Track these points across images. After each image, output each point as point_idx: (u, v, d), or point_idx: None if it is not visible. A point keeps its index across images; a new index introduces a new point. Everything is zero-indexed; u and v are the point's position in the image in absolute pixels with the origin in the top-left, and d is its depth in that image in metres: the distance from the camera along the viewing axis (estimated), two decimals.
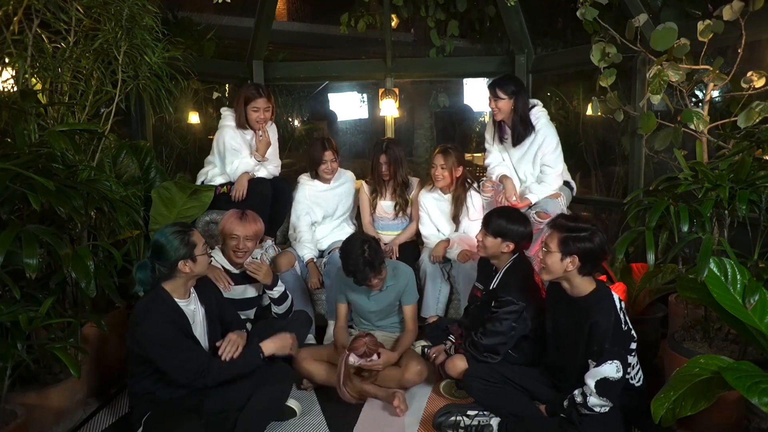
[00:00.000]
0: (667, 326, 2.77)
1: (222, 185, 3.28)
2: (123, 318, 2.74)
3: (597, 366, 1.95)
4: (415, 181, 3.46)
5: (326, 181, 3.36)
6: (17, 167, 2.02)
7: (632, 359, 2.10)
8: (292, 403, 2.40)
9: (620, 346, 1.98)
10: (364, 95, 7.09)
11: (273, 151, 3.44)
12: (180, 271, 2.13)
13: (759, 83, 2.52)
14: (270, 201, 3.25)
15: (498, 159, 3.25)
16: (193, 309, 2.22)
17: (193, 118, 4.86)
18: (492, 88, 3.04)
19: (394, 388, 2.51)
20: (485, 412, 2.21)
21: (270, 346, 2.26)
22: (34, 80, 2.56)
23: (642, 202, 2.50)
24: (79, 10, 2.55)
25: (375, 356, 2.52)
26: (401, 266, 2.86)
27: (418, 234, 3.37)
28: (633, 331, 2.08)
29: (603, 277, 2.47)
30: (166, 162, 4.17)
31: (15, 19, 2.44)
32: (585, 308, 2.05)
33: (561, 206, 3.03)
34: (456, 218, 3.20)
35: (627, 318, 2.06)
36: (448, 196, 3.23)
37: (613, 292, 2.11)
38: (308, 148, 3.50)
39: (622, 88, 3.44)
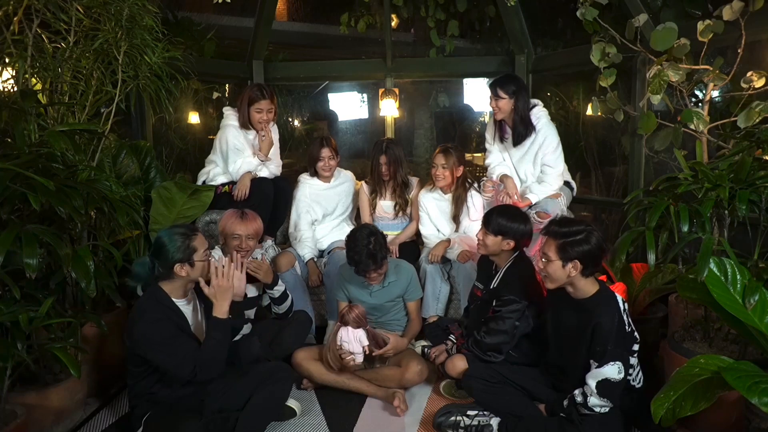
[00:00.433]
0: (667, 326, 2.76)
1: (223, 185, 3.28)
2: (123, 318, 2.73)
3: (599, 367, 1.95)
4: (414, 180, 3.46)
5: (325, 179, 3.37)
6: (17, 167, 2.03)
7: (633, 360, 2.11)
8: (292, 403, 2.40)
9: (623, 348, 1.99)
10: (364, 95, 7.08)
11: (274, 151, 3.44)
12: (176, 273, 2.13)
13: (759, 83, 2.52)
14: (272, 200, 3.26)
15: (498, 159, 3.25)
16: (192, 309, 2.22)
17: (193, 118, 4.85)
18: (493, 87, 3.04)
19: (394, 388, 2.51)
20: (485, 412, 2.21)
21: (220, 306, 2.14)
22: (34, 80, 2.56)
23: (642, 202, 2.50)
24: (79, 10, 2.55)
25: (365, 336, 2.56)
26: (403, 263, 2.88)
27: (418, 234, 3.37)
28: (636, 333, 2.08)
29: (603, 277, 2.47)
30: (166, 162, 4.17)
31: (15, 19, 2.44)
32: (588, 309, 2.04)
33: (561, 206, 3.03)
34: (456, 218, 3.20)
35: (630, 319, 2.06)
36: (449, 196, 3.23)
37: (617, 294, 2.11)
38: (308, 148, 3.51)
39: (622, 88, 3.44)
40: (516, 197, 3.03)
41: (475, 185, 3.26)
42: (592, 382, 1.96)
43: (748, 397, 1.61)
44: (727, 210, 2.27)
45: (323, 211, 3.39)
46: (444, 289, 3.11)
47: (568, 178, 3.26)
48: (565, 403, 2.07)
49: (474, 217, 3.15)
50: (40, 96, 2.53)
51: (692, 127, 2.66)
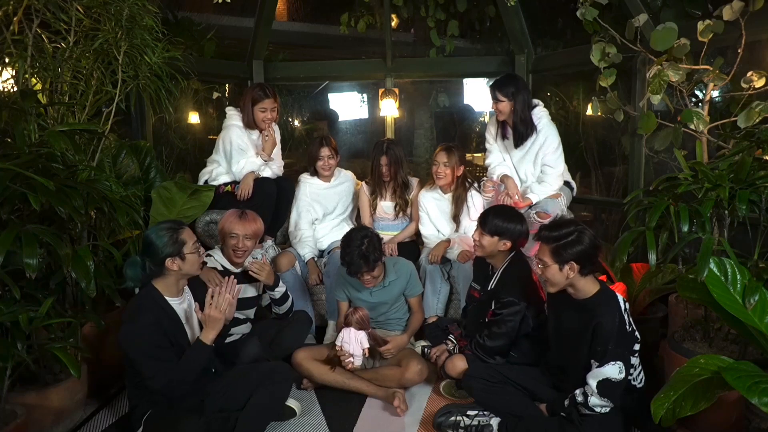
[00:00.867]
0: (667, 326, 2.76)
1: (226, 184, 3.28)
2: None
3: (599, 366, 1.95)
4: (414, 181, 3.46)
5: (326, 179, 3.37)
6: (17, 167, 2.03)
7: (635, 360, 2.11)
8: (291, 403, 2.40)
9: (624, 348, 1.99)
10: (364, 95, 7.07)
11: (276, 151, 3.45)
12: (168, 268, 2.12)
13: (759, 83, 2.52)
14: (274, 201, 3.26)
15: (499, 159, 3.25)
16: (187, 307, 2.22)
17: (193, 118, 4.85)
18: (492, 90, 3.05)
19: (394, 388, 2.51)
20: (485, 412, 2.21)
21: (208, 334, 2.14)
22: (34, 80, 2.56)
23: (642, 202, 2.50)
24: (79, 10, 2.55)
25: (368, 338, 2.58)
26: (401, 260, 2.89)
27: (418, 234, 3.37)
28: (637, 332, 2.08)
29: (603, 277, 2.47)
30: (166, 162, 4.16)
31: (15, 19, 2.44)
32: (589, 309, 2.05)
33: (561, 206, 3.03)
34: (456, 217, 3.20)
35: (630, 319, 2.06)
36: (448, 196, 3.23)
37: (618, 294, 2.11)
38: (308, 148, 3.51)
39: (622, 88, 3.44)
40: (517, 197, 3.03)
41: (475, 185, 3.26)
42: (592, 381, 1.96)
43: (748, 397, 1.61)
44: (727, 210, 2.27)
45: (323, 211, 3.39)
46: (444, 289, 3.11)
47: (568, 178, 3.26)
48: (566, 402, 2.07)
49: (474, 217, 3.15)
50: (40, 96, 2.53)
51: (692, 127, 2.66)
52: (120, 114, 2.86)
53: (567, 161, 3.22)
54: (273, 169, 3.36)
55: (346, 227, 3.46)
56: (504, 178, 3.13)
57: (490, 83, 3.11)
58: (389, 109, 4.65)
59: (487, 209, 2.62)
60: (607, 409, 1.98)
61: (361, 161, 5.83)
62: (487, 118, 6.87)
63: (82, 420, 2.41)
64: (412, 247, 3.35)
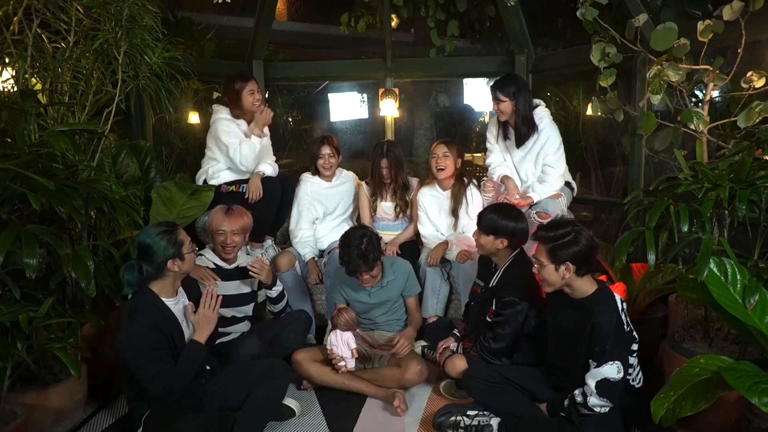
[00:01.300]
0: (667, 326, 2.76)
1: (229, 184, 3.27)
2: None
3: (598, 366, 1.95)
4: (414, 181, 3.46)
5: (327, 178, 3.37)
6: (17, 167, 2.03)
7: (633, 360, 2.11)
8: (291, 402, 2.40)
9: (621, 347, 1.99)
10: (364, 95, 7.07)
11: (267, 148, 3.45)
12: (168, 270, 2.13)
13: (759, 83, 2.52)
14: (279, 200, 3.27)
15: (499, 159, 3.25)
16: (182, 307, 2.23)
17: (193, 118, 4.85)
18: (493, 90, 3.04)
19: (394, 389, 2.51)
20: (485, 412, 2.21)
21: (201, 334, 2.17)
22: (34, 80, 2.56)
23: (642, 202, 2.50)
24: (79, 10, 2.55)
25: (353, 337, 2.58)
26: (399, 260, 2.89)
27: (418, 234, 3.37)
28: (634, 332, 2.08)
29: (603, 277, 2.47)
30: (166, 162, 4.16)
31: (15, 19, 2.44)
32: (587, 309, 2.05)
33: (561, 206, 3.03)
34: (455, 212, 3.19)
35: (628, 319, 2.06)
36: (447, 193, 3.23)
37: (615, 293, 2.11)
38: (308, 148, 3.52)
39: (622, 88, 3.44)
40: (517, 197, 3.02)
41: (474, 182, 3.27)
42: (591, 381, 1.96)
43: (748, 397, 1.61)
44: (727, 210, 2.27)
45: (324, 210, 3.39)
46: (444, 289, 3.11)
47: (569, 178, 3.26)
48: (566, 403, 2.07)
49: (472, 214, 3.15)
50: (40, 96, 2.53)
51: (692, 127, 2.66)
52: (120, 114, 2.86)
53: (567, 161, 3.22)
54: (272, 165, 3.36)
55: (347, 227, 3.46)
56: (504, 179, 3.13)
57: (491, 83, 3.11)
58: (389, 109, 4.65)
59: (484, 208, 2.61)
60: (606, 409, 1.98)
61: (361, 161, 5.83)
62: (487, 119, 6.88)
63: (82, 420, 2.41)
64: (413, 247, 3.35)
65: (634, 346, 2.09)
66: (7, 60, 2.49)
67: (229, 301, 2.59)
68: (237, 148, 3.20)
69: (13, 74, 2.52)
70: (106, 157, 2.95)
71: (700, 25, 2.59)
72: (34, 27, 2.47)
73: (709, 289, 1.94)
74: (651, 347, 2.80)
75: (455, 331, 2.71)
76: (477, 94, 7.03)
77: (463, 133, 7.08)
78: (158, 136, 4.10)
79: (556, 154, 3.06)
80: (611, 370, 1.93)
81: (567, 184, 3.21)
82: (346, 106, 7.13)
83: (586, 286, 2.08)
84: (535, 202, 3.02)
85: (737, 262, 2.01)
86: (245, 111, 3.29)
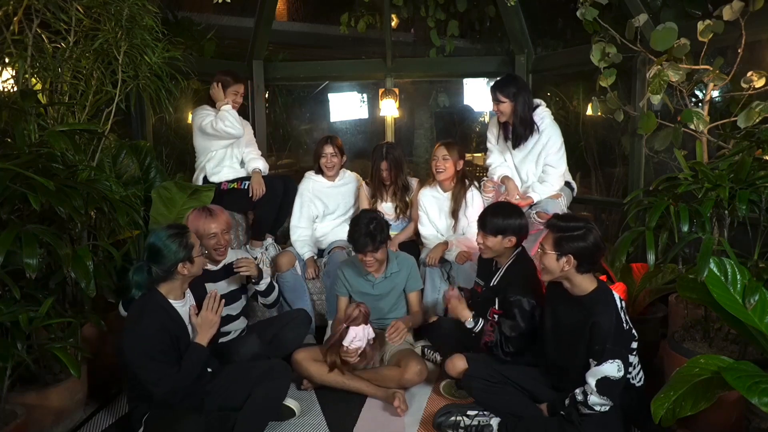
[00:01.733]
0: (667, 326, 2.76)
1: (229, 181, 3.28)
2: (122, 318, 2.73)
3: (598, 365, 1.95)
4: (414, 182, 3.46)
5: (330, 178, 3.39)
6: (17, 167, 2.03)
7: (633, 358, 2.11)
8: (291, 403, 2.39)
9: (621, 346, 1.98)
10: (364, 95, 7.07)
11: (250, 138, 3.47)
12: (178, 273, 2.13)
13: (759, 83, 2.52)
14: (280, 198, 3.28)
15: (499, 159, 3.25)
16: (189, 309, 2.23)
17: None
18: (493, 91, 3.03)
19: (394, 388, 2.51)
20: (485, 412, 2.21)
21: (203, 336, 2.17)
22: (34, 80, 2.56)
23: (642, 202, 2.50)
24: (79, 10, 2.55)
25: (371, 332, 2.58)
26: (403, 254, 2.92)
27: (417, 233, 3.37)
28: (634, 330, 2.08)
29: (603, 277, 2.47)
30: (166, 162, 4.16)
31: (15, 19, 2.44)
32: (586, 307, 2.05)
33: (561, 206, 3.03)
34: (456, 213, 3.19)
35: (627, 317, 2.06)
36: (448, 194, 3.23)
37: (614, 292, 2.11)
38: (307, 148, 3.54)
39: (622, 88, 3.44)
40: (517, 197, 3.02)
41: (475, 183, 3.27)
42: (591, 380, 1.96)
43: (748, 397, 1.61)
44: (727, 210, 2.27)
45: (324, 209, 3.40)
46: (443, 289, 3.11)
47: (569, 178, 3.25)
48: (566, 402, 2.07)
49: (473, 217, 3.15)
50: (40, 96, 2.53)
51: (692, 127, 2.66)
52: (120, 114, 2.86)
53: (567, 161, 3.21)
54: (263, 160, 3.39)
55: (347, 227, 3.47)
56: (504, 179, 3.13)
57: (491, 84, 3.11)
58: (389, 109, 4.65)
59: (483, 211, 2.60)
60: (607, 408, 1.98)
61: (362, 161, 5.83)
62: (487, 119, 6.88)
63: (82, 420, 2.41)
64: (412, 247, 3.35)
65: (634, 345, 2.09)
66: (7, 60, 2.49)
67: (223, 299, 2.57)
68: (215, 120, 3.19)
69: (13, 74, 2.52)
70: (106, 157, 2.95)
71: (700, 25, 2.59)
72: (34, 27, 2.47)
73: (709, 289, 1.94)
74: (651, 347, 2.80)
75: (463, 292, 2.68)
76: (477, 94, 7.04)
77: (463, 133, 7.08)
78: (158, 136, 4.10)
79: (557, 155, 3.06)
80: (611, 369, 1.93)
81: (567, 184, 3.21)
82: (346, 106, 7.14)
83: (585, 283, 2.08)
84: (534, 202, 3.02)
85: (737, 262, 2.01)
86: (217, 91, 3.28)
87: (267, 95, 5.00)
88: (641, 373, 2.19)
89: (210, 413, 2.13)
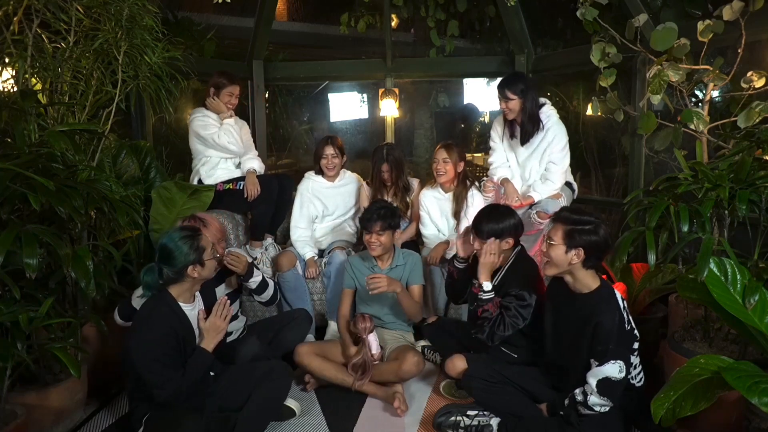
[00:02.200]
0: (667, 326, 2.76)
1: (225, 183, 3.28)
2: None
3: (599, 366, 1.95)
4: (415, 182, 3.47)
5: (330, 178, 3.39)
6: (17, 167, 2.02)
7: (635, 359, 2.10)
8: (291, 403, 2.39)
9: (624, 346, 1.98)
10: (364, 95, 7.08)
11: (248, 141, 3.46)
12: (188, 275, 2.13)
13: (759, 83, 2.52)
14: (276, 198, 3.27)
15: (502, 159, 3.24)
16: (197, 313, 2.23)
17: None
18: (501, 89, 3.04)
19: (393, 382, 2.51)
20: (485, 412, 2.21)
21: (210, 342, 2.18)
22: (34, 80, 2.56)
23: (642, 202, 2.50)
24: (79, 10, 2.55)
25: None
26: (409, 250, 2.94)
27: (418, 234, 3.37)
28: (636, 331, 2.08)
29: (603, 277, 2.47)
30: (166, 162, 4.16)
31: (15, 19, 2.44)
32: (589, 306, 2.04)
33: (561, 206, 3.03)
34: (457, 214, 3.20)
35: (629, 317, 2.06)
36: (449, 195, 3.23)
37: (617, 291, 2.10)
38: (308, 148, 3.53)
39: (622, 88, 3.44)
40: (517, 200, 3.02)
41: (476, 183, 3.27)
42: (592, 380, 1.96)
43: (748, 397, 1.61)
44: (727, 210, 2.27)
45: (323, 209, 3.39)
46: (444, 288, 3.10)
47: (570, 178, 3.25)
48: (566, 402, 2.06)
49: (471, 218, 3.15)
50: (40, 96, 2.53)
51: (692, 127, 2.66)
52: (120, 114, 2.86)
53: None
54: (258, 160, 3.37)
55: (348, 228, 3.47)
56: (504, 182, 3.13)
57: (499, 82, 3.10)
58: (389, 109, 4.65)
59: (476, 217, 2.55)
60: (607, 409, 1.98)
61: (362, 162, 5.83)
62: (487, 119, 6.88)
63: (82, 420, 2.41)
64: (413, 247, 3.35)
65: (636, 345, 2.09)
66: (7, 60, 2.49)
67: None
68: (219, 134, 3.22)
69: (13, 74, 2.51)
70: (106, 157, 2.95)
71: (700, 25, 2.59)
72: (34, 27, 2.47)
73: (709, 289, 1.94)
74: (651, 347, 2.80)
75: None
76: (477, 94, 7.05)
77: (462, 133, 7.09)
78: (158, 136, 4.10)
79: (562, 152, 3.07)
80: (613, 369, 1.93)
81: (568, 184, 3.21)
82: (346, 106, 7.14)
83: (588, 280, 2.08)
84: (535, 201, 3.02)
85: (737, 262, 2.01)
86: (211, 101, 3.30)
87: (267, 95, 5.00)
88: (642, 373, 2.19)
89: (211, 414, 2.13)
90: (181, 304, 2.15)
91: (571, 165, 3.25)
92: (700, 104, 2.82)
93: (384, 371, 2.57)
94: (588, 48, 3.12)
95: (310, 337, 3.06)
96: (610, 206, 4.27)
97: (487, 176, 3.30)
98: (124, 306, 2.44)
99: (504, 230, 2.44)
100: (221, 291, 2.60)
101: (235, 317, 2.68)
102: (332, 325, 3.12)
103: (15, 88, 2.47)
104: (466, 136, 7.12)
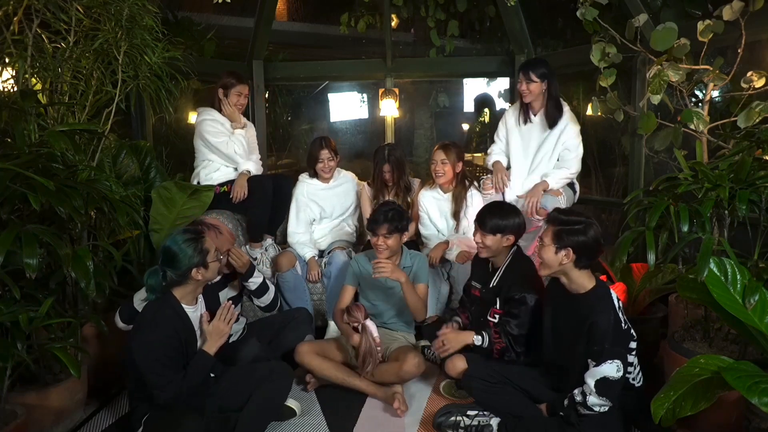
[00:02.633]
0: (667, 326, 2.76)
1: (222, 184, 3.28)
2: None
3: (597, 366, 1.95)
4: (416, 182, 3.47)
5: (325, 180, 3.37)
6: (17, 167, 2.03)
7: (633, 358, 2.10)
8: (291, 403, 2.40)
9: (620, 346, 1.98)
10: (364, 95, 7.08)
11: (253, 145, 3.47)
12: (192, 278, 2.13)
13: (759, 83, 2.52)
14: (271, 198, 3.25)
15: (500, 148, 3.31)
16: (200, 315, 2.23)
17: (193, 118, 4.85)
18: (525, 70, 3.09)
19: (394, 383, 2.51)
20: (485, 412, 2.21)
21: (212, 345, 2.18)
22: (34, 80, 2.56)
23: (642, 202, 2.50)
24: (79, 10, 2.55)
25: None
26: (416, 251, 2.93)
27: (418, 234, 3.37)
28: (632, 330, 2.08)
29: (603, 277, 2.47)
30: (166, 162, 4.16)
31: (15, 19, 2.44)
32: (584, 307, 2.04)
33: (561, 205, 3.03)
34: (457, 215, 3.20)
35: (625, 317, 2.06)
36: (448, 195, 3.23)
37: (612, 291, 2.11)
38: (308, 148, 3.52)
39: (622, 88, 3.44)
40: (506, 180, 3.12)
41: (476, 183, 3.27)
42: (590, 381, 1.96)
43: (748, 397, 1.61)
44: (727, 210, 2.27)
45: (320, 212, 3.39)
46: (444, 289, 3.11)
47: (574, 179, 3.25)
48: (565, 402, 2.07)
49: (473, 217, 3.14)
50: (40, 96, 2.53)
51: (692, 127, 2.66)
52: (120, 114, 2.86)
53: None
54: (258, 163, 3.37)
55: (347, 228, 3.47)
56: (495, 164, 3.19)
57: (521, 64, 3.20)
58: (389, 109, 4.65)
59: (481, 210, 2.58)
60: (606, 409, 1.98)
61: (361, 162, 5.83)
62: (487, 119, 6.88)
63: (82, 420, 2.41)
64: (413, 247, 3.35)
65: (633, 344, 2.09)
66: (7, 60, 2.49)
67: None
68: (228, 143, 3.23)
69: (13, 74, 2.51)
70: (106, 157, 2.95)
71: (700, 25, 2.59)
72: (34, 27, 2.47)
73: (709, 289, 1.94)
74: (651, 347, 2.80)
75: (457, 318, 2.69)
76: (477, 94, 7.04)
77: (462, 133, 7.09)
78: (158, 136, 4.10)
79: (576, 139, 3.11)
80: (610, 369, 1.93)
81: (571, 186, 3.21)
82: (346, 106, 7.15)
83: (583, 280, 2.08)
84: (550, 187, 3.05)
85: (737, 262, 2.01)
86: (225, 106, 3.31)
87: (267, 95, 5.00)
88: (640, 373, 2.19)
89: (211, 414, 2.13)
90: (183, 306, 2.15)
91: None
92: (700, 104, 2.82)
93: (384, 372, 2.57)
94: (588, 48, 3.12)
95: (310, 336, 3.06)
96: (610, 206, 4.27)
97: (486, 176, 3.31)
98: (126, 309, 2.44)
99: (506, 227, 2.45)
100: (225, 295, 2.60)
101: (236, 320, 2.68)
102: (332, 325, 3.12)
103: (15, 88, 2.47)
104: (466, 135, 7.12)
